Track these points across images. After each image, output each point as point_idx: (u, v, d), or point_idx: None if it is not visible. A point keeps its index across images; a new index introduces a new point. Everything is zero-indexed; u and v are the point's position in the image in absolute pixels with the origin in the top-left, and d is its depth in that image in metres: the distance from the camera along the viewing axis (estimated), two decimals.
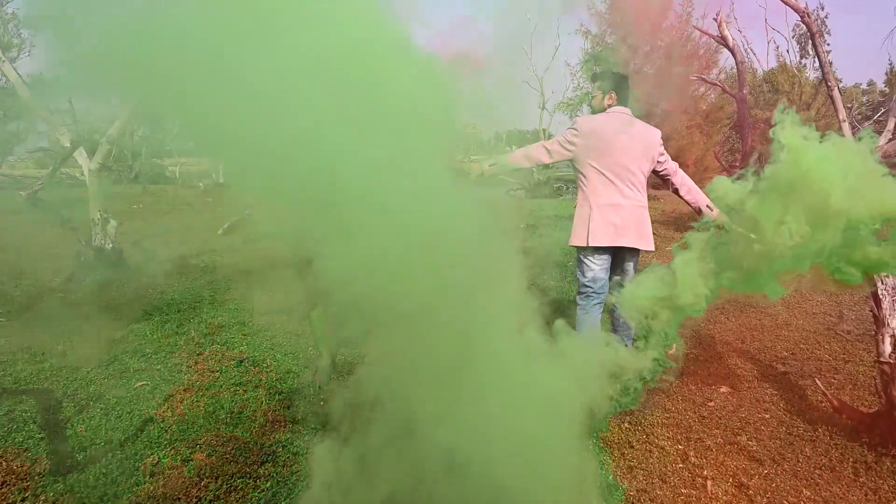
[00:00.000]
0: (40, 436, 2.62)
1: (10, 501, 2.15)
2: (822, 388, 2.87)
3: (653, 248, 3.01)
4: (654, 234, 3.08)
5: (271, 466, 2.37)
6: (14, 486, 2.23)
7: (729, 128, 12.91)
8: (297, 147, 1.62)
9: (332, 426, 2.48)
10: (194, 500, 2.17)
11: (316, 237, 1.73)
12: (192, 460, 2.41)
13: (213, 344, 3.80)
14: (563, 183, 16.71)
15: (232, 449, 2.49)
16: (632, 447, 2.56)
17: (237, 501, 2.17)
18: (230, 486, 2.24)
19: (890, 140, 3.32)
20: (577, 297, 3.11)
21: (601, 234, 2.92)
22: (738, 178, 1.75)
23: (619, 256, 3.06)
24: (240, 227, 8.07)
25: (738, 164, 8.56)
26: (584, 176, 2.99)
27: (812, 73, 14.60)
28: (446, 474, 1.75)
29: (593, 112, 3.13)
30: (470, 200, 2.01)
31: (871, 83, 19.68)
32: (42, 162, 16.12)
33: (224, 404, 2.91)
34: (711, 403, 2.98)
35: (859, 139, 1.58)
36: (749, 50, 14.14)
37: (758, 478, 2.33)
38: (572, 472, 1.90)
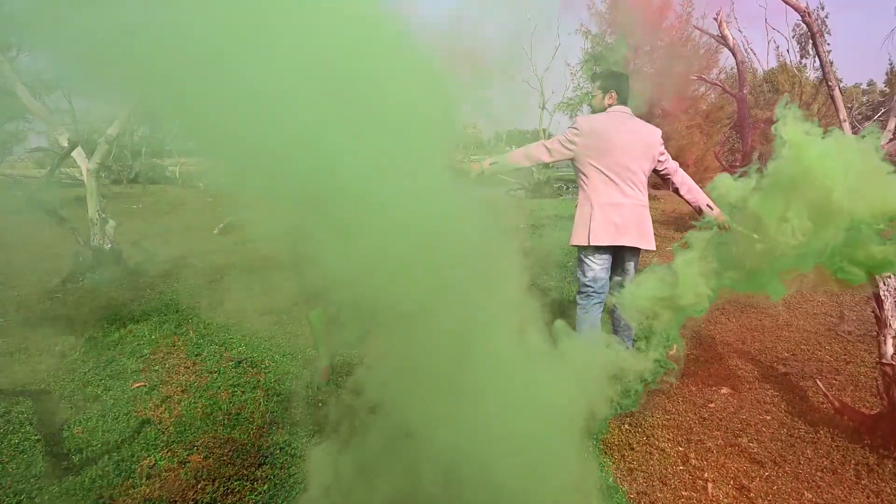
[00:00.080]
0: (36, 437, 2.60)
1: None
2: (824, 389, 2.86)
3: (654, 248, 3.00)
4: (654, 233, 3.07)
5: (269, 469, 2.35)
6: (10, 488, 2.21)
7: (729, 128, 12.90)
8: (296, 147, 1.61)
9: (331, 428, 2.46)
10: (191, 503, 2.15)
11: (314, 238, 1.71)
12: (188, 462, 2.39)
13: (211, 344, 3.78)
14: (564, 183, 16.69)
15: (229, 451, 2.47)
16: (632, 449, 2.54)
17: None
18: (227, 489, 2.22)
19: (891, 140, 3.30)
20: (577, 297, 3.10)
21: (602, 233, 2.91)
22: (740, 176, 1.73)
23: (619, 256, 3.05)
24: (237, 228, 8.06)
25: (738, 163, 8.54)
26: (585, 175, 2.98)
27: (812, 73, 14.58)
28: (445, 476, 1.74)
29: (594, 111, 3.13)
30: (469, 200, 1.99)
31: (871, 83, 19.69)
32: (42, 162, 16.09)
33: (222, 406, 2.90)
34: (712, 405, 2.96)
35: (863, 136, 1.56)
36: (749, 50, 14.13)
37: (759, 480, 2.31)
38: (572, 475, 1.89)
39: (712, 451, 2.52)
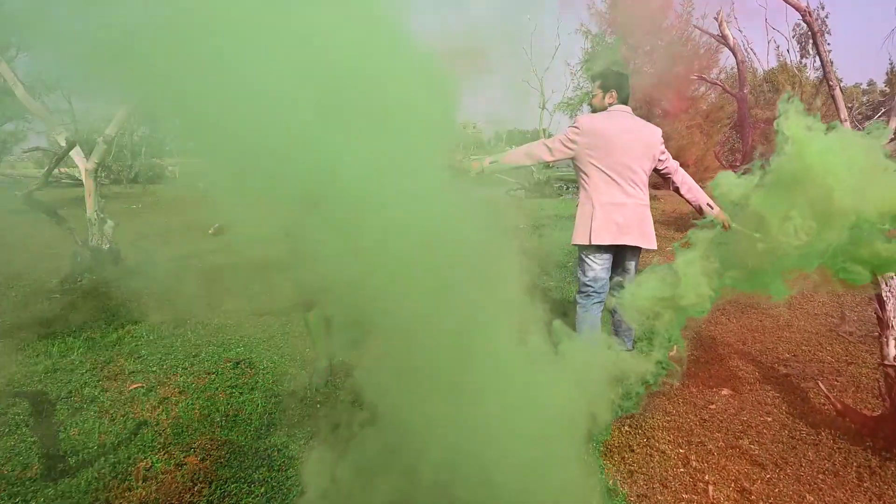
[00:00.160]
0: (32, 439, 2.58)
1: None
2: (825, 390, 2.84)
3: (655, 247, 3.00)
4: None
5: (266, 471, 2.33)
6: (4, 491, 2.19)
7: (729, 127, 12.89)
8: (295, 147, 1.59)
9: (329, 430, 2.44)
10: None
11: (313, 238, 1.70)
12: (185, 464, 2.37)
13: (209, 345, 3.76)
14: (564, 183, 16.68)
15: (226, 453, 2.45)
16: (632, 451, 2.53)
17: None
18: (224, 492, 2.20)
19: (891, 140, 3.28)
20: (577, 296, 3.10)
21: (604, 232, 2.90)
22: (744, 173, 1.71)
23: (620, 256, 3.05)
24: (230, 229, 8.03)
25: (738, 163, 8.53)
26: (586, 174, 2.97)
27: (812, 73, 14.56)
28: (445, 478, 1.72)
29: (594, 111, 3.12)
30: (469, 200, 1.98)
31: (871, 83, 19.68)
32: (41, 162, 16.08)
33: (219, 407, 2.88)
34: (713, 406, 2.94)
35: (867, 132, 1.54)
36: (749, 49, 14.10)
37: (760, 482, 2.29)
38: (572, 477, 1.87)
39: (713, 453, 2.50)
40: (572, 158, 3.01)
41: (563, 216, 9.69)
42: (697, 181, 3.09)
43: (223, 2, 1.63)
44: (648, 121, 3.13)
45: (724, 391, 3.12)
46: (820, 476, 2.32)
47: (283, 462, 2.40)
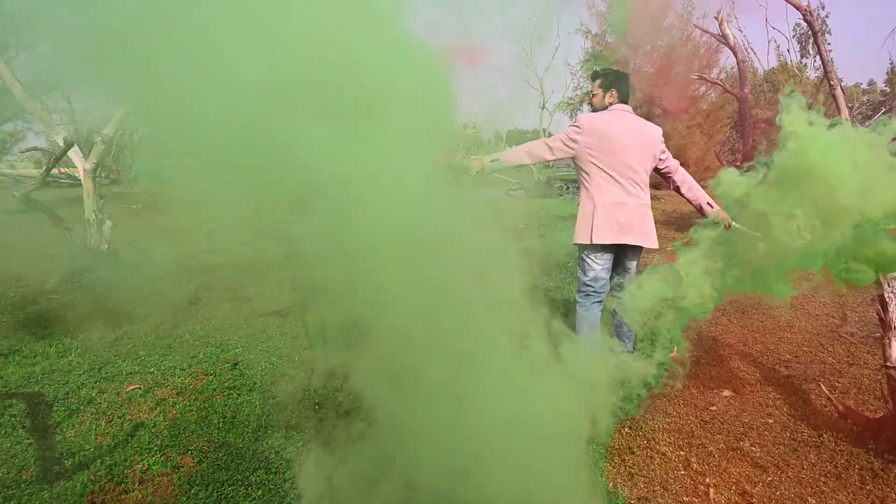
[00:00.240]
0: (28, 441, 2.56)
1: None
2: (827, 392, 2.82)
3: (657, 247, 2.99)
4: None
5: (263, 473, 2.31)
6: (0, 493, 2.18)
7: (730, 127, 12.87)
8: (290, 144, 1.57)
9: (327, 432, 2.42)
10: None
11: (310, 239, 1.68)
12: (182, 467, 2.35)
13: (207, 346, 3.74)
14: (564, 183, 16.66)
15: (224, 455, 2.43)
16: (632, 453, 2.51)
17: None
18: (221, 494, 2.18)
19: (892, 140, 3.26)
20: (577, 296, 3.09)
21: (605, 231, 2.89)
22: (747, 170, 1.69)
23: (621, 255, 3.03)
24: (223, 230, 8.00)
25: (739, 163, 8.51)
26: (587, 174, 2.96)
27: (813, 73, 14.55)
28: (443, 482, 1.70)
29: (594, 110, 3.11)
30: (468, 200, 1.96)
31: (871, 83, 19.66)
32: (40, 161, 16.05)
33: (217, 408, 2.86)
34: (714, 408, 2.92)
35: (873, 129, 1.51)
36: (750, 49, 14.08)
37: (761, 485, 2.27)
38: (572, 479, 1.85)
39: (714, 456, 2.48)
40: (573, 158, 3.00)
41: (562, 216, 9.67)
42: (698, 181, 3.09)
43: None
44: (649, 120, 3.12)
45: (725, 393, 3.10)
46: (822, 479, 2.30)
47: (281, 465, 2.37)
